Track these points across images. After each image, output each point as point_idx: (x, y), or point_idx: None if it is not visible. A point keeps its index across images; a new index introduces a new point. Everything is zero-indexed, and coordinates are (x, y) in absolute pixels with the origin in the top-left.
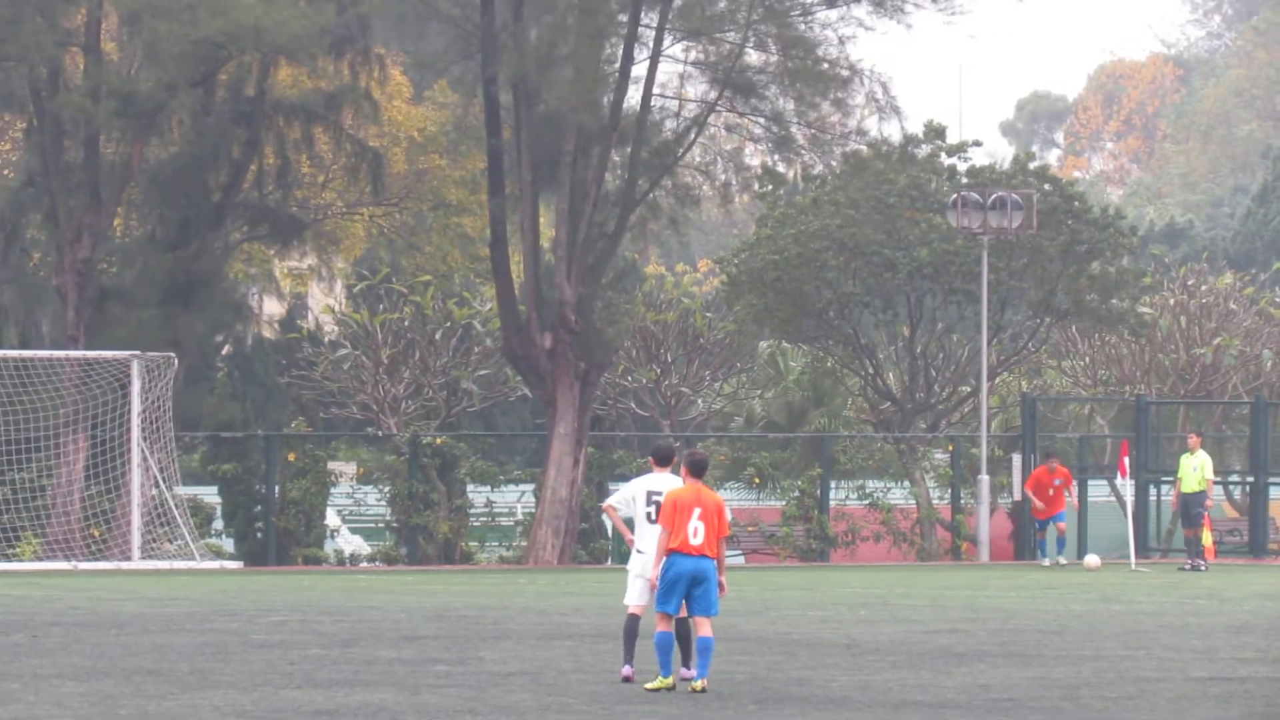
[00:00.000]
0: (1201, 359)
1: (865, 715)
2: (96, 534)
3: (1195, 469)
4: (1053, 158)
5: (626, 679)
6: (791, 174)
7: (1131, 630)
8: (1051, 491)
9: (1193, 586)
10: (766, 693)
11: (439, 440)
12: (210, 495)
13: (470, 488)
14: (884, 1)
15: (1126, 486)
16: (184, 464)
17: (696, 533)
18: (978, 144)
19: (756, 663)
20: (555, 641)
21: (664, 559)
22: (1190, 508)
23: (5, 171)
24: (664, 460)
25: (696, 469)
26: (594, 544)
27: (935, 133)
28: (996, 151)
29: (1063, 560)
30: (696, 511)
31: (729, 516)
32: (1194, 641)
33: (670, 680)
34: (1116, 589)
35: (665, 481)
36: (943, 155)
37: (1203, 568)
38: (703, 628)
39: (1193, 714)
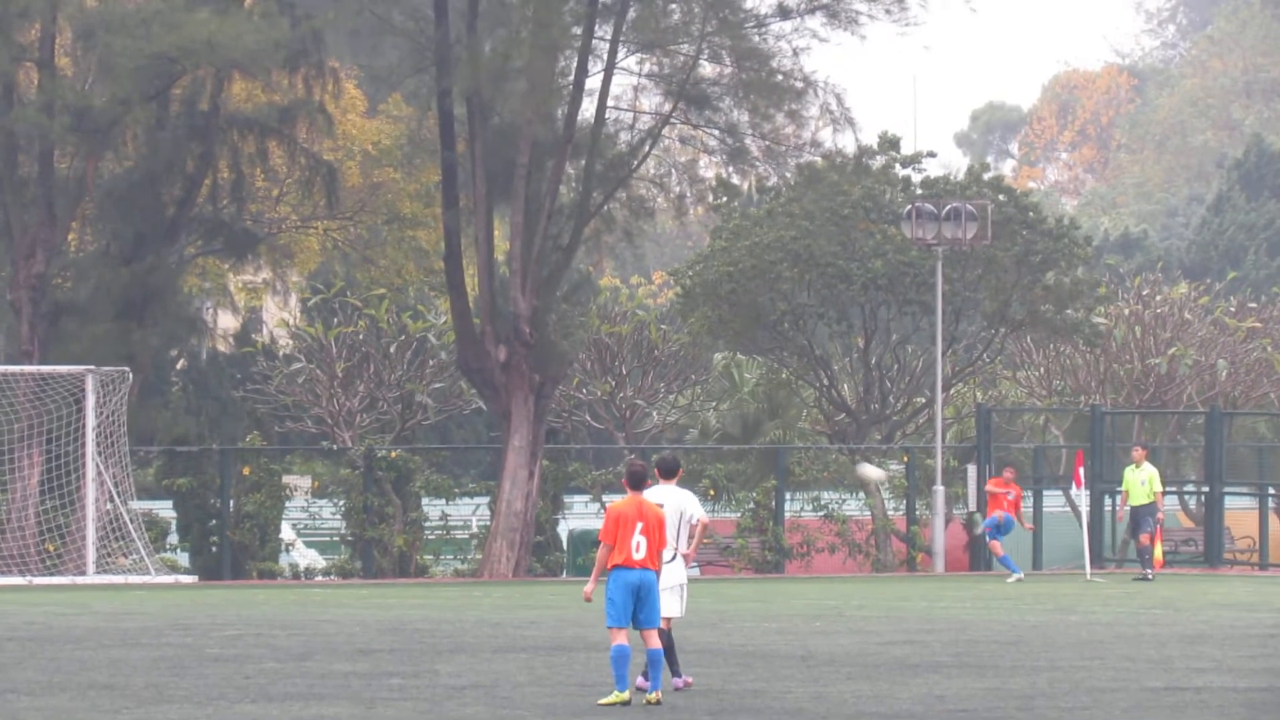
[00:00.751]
0: (1156, 369)
1: None
2: (51, 549)
3: (1144, 483)
4: (1007, 168)
5: (686, 685)
6: (746, 186)
7: (1087, 640)
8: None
9: (1148, 596)
10: (722, 705)
11: (394, 454)
12: (165, 510)
13: (425, 501)
14: (838, 13)
15: (1081, 497)
16: (139, 478)
17: (639, 547)
18: (932, 155)
19: (712, 675)
20: (510, 654)
21: (610, 573)
22: (1141, 518)
23: None
24: (668, 472)
25: (636, 481)
26: (549, 557)
27: (889, 144)
28: (951, 162)
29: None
30: (639, 526)
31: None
32: (1149, 651)
33: (626, 695)
34: (1072, 599)
35: (667, 494)
36: (897, 166)
37: (1149, 577)
38: (650, 640)
39: None
